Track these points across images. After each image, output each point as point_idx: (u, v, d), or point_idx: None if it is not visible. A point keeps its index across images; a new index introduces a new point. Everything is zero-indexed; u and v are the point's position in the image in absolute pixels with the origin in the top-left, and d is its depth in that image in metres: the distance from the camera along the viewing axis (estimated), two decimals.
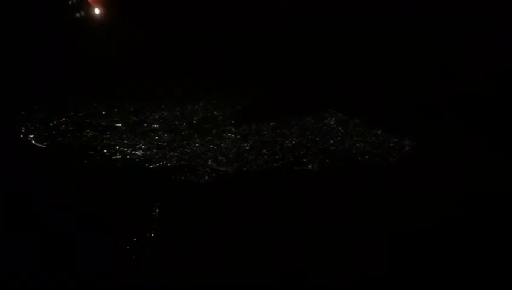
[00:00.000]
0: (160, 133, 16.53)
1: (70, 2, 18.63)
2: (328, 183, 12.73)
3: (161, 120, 18.05)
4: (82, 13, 17.99)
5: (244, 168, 13.69)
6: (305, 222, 11.42)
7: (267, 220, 11.33)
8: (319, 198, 12.18)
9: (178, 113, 19.14)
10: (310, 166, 13.43)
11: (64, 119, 16.99)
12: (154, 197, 11.96)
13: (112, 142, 15.24)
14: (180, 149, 15.07)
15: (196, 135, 16.50)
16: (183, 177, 13.02)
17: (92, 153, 14.33)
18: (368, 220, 11.53)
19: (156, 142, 15.61)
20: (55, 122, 16.68)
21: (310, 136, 16.07)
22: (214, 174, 13.30)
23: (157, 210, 11.30)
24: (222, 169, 13.74)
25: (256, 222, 11.29)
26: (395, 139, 14.54)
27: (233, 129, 17.31)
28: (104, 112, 18.20)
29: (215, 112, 19.19)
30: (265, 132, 16.88)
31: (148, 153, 14.69)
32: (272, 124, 17.87)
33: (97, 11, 15.91)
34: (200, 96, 20.33)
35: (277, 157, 14.19)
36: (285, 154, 14.33)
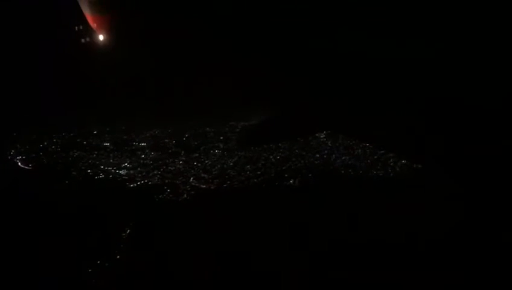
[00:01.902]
0: (147, 151, 16.53)
1: (77, 28, 19.25)
2: (308, 198, 12.43)
3: (151, 138, 18.07)
4: (87, 38, 18.58)
5: (225, 185, 13.50)
6: (284, 237, 11.13)
7: (245, 236, 11.09)
8: (298, 213, 11.90)
9: (169, 131, 19.15)
10: (291, 181, 13.15)
11: (54, 139, 17.19)
12: (130, 216, 11.86)
13: (97, 162, 15.28)
14: (164, 167, 14.98)
15: (183, 152, 16.43)
16: (161, 196, 12.89)
17: (74, 173, 14.37)
18: (347, 233, 11.18)
19: (141, 161, 15.57)
20: (45, 142, 16.89)
21: (296, 151, 15.84)
22: (193, 192, 13.14)
23: (129, 231, 11.17)
24: (203, 186, 13.57)
25: (233, 239, 11.07)
26: (380, 153, 14.19)
27: (221, 145, 17.19)
28: (95, 132, 18.40)
29: (207, 129, 19.16)
30: (252, 147, 16.73)
31: (131, 172, 14.64)
32: (260, 139, 17.75)
33: (100, 37, 16.39)
34: (194, 113, 20.47)
35: (259, 173, 13.97)
36: (268, 170, 14.10)
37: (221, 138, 17.69)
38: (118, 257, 9.99)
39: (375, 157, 14.17)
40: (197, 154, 16.08)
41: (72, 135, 17.61)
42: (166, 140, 17.70)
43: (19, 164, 14.72)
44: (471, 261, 9.52)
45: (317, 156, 15.02)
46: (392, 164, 13.72)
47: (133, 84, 19.82)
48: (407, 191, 12.44)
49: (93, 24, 15.25)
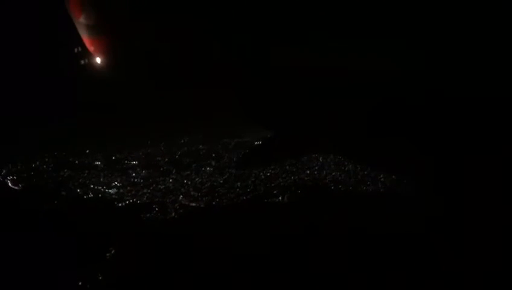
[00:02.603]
0: (138, 169, 16.52)
1: (76, 50, 19.45)
2: (296, 214, 12.34)
3: (143, 156, 18.10)
4: (86, 60, 18.76)
5: (214, 203, 13.42)
6: (272, 253, 11.01)
7: (232, 253, 10.99)
8: (285, 229, 11.80)
9: (162, 148, 19.22)
10: (279, 198, 13.07)
11: (46, 159, 17.26)
12: (115, 236, 11.80)
13: (87, 181, 15.26)
14: (154, 185, 14.94)
15: (174, 170, 16.41)
16: (149, 215, 12.83)
17: (64, 193, 14.35)
18: (336, 249, 11.04)
19: (132, 179, 15.55)
20: (36, 162, 16.96)
21: (287, 167, 15.78)
22: (181, 210, 13.07)
23: (113, 251, 11.09)
24: (192, 205, 13.51)
25: (219, 257, 10.97)
26: (370, 169, 14.11)
27: (213, 163, 17.17)
28: (87, 151, 18.47)
29: (200, 146, 19.19)
30: (244, 165, 16.69)
31: (121, 191, 14.60)
32: (252, 156, 17.69)
33: (98, 59, 16.56)
34: (188, 130, 20.58)
35: (248, 190, 13.91)
36: (257, 187, 14.03)
37: (214, 155, 17.68)
38: (100, 277, 9.90)
39: (365, 173, 14.06)
40: (188, 172, 16.03)
41: (64, 153, 17.62)
42: (159, 158, 17.70)
43: (9, 184, 14.71)
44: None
45: (308, 172, 14.95)
46: (382, 179, 13.61)
47: (128, 103, 19.92)
48: (397, 206, 12.32)
49: (90, 47, 15.43)
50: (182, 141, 19.15)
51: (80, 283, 9.90)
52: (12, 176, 15.33)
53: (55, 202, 13.64)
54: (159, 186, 14.76)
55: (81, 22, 14.47)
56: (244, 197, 13.58)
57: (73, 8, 13.87)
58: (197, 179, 15.21)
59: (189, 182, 15.01)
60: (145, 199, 13.91)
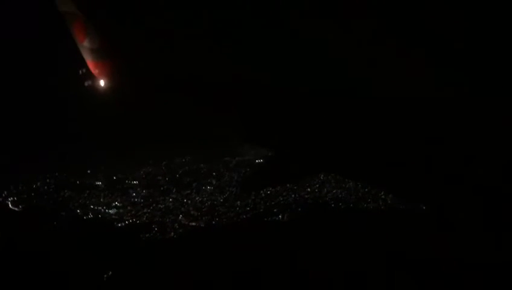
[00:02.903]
0: (138, 189, 16.49)
1: (80, 72, 19.70)
2: (296, 233, 12.18)
3: (144, 175, 18.09)
4: (89, 82, 19.01)
5: (213, 222, 13.31)
6: (271, 271, 10.83)
7: (230, 272, 10.82)
8: (285, 249, 11.61)
9: (163, 168, 19.20)
10: (279, 216, 12.95)
11: (47, 180, 17.28)
12: (114, 256, 11.69)
13: (88, 202, 15.23)
14: (154, 205, 14.88)
15: (174, 190, 16.36)
16: (148, 235, 12.73)
17: (63, 214, 14.33)
18: (336, 267, 10.85)
19: (132, 199, 15.51)
20: (38, 183, 16.98)
21: (287, 185, 15.66)
22: (181, 230, 12.96)
23: (111, 272, 10.97)
24: (191, 224, 13.41)
25: (218, 275, 10.81)
26: (371, 187, 13.97)
27: (213, 182, 17.12)
28: (89, 171, 18.52)
29: (201, 165, 19.16)
30: (244, 183, 16.61)
31: (121, 211, 14.55)
32: (253, 174, 17.63)
33: (102, 82, 16.83)
34: (190, 149, 20.64)
35: (248, 208, 13.80)
36: (257, 205, 13.92)
37: (214, 174, 17.62)
38: None
39: (366, 190, 13.93)
40: (188, 191, 15.97)
41: (65, 174, 17.64)
42: (159, 177, 17.67)
43: (10, 206, 14.72)
44: None
45: (308, 190, 14.82)
46: (383, 197, 13.46)
47: (131, 123, 20.06)
48: (398, 223, 12.14)
49: (94, 70, 15.65)
50: (183, 160, 19.12)
51: None
52: (13, 198, 15.34)
53: (55, 223, 13.58)
54: (159, 205, 14.69)
55: (84, 46, 14.75)
56: (244, 216, 13.46)
57: (77, 32, 14.15)
58: (197, 198, 15.13)
59: (189, 201, 14.93)
60: (144, 219, 13.83)
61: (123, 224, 13.46)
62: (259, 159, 18.26)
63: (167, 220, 13.60)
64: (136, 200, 15.09)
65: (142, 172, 17.95)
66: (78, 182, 16.86)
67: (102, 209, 14.30)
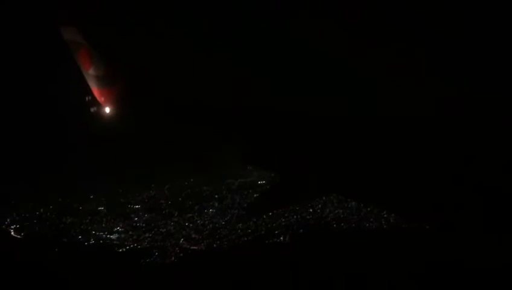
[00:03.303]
0: (140, 213, 16.46)
1: (87, 99, 20.05)
2: (297, 254, 12.04)
3: (146, 199, 18.06)
4: (95, 109, 19.34)
5: (214, 245, 13.21)
6: None
7: None
8: (286, 269, 11.48)
9: (166, 191, 19.17)
10: (281, 238, 12.82)
11: (50, 206, 17.31)
12: (114, 282, 11.62)
13: (89, 227, 15.21)
14: (156, 229, 14.81)
15: (176, 213, 16.31)
16: (148, 260, 12.65)
17: (65, 240, 14.32)
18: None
19: (134, 224, 15.47)
20: (41, 210, 17.01)
21: (290, 207, 15.54)
22: (181, 254, 12.87)
23: None
24: (192, 248, 13.31)
25: None
26: (373, 206, 13.81)
27: (216, 204, 17.04)
28: (91, 196, 18.55)
29: (204, 188, 19.12)
30: (246, 205, 16.56)
31: (122, 235, 14.51)
32: (255, 196, 17.59)
33: (107, 109, 17.16)
34: (193, 172, 20.68)
35: (249, 231, 13.70)
36: (259, 227, 13.81)
37: (217, 196, 17.57)
38: None
39: (368, 210, 13.78)
40: (190, 215, 15.91)
41: (68, 200, 17.69)
42: (162, 201, 17.65)
43: (12, 233, 14.75)
44: None
45: (311, 211, 14.70)
46: (385, 216, 13.31)
47: (134, 147, 20.21)
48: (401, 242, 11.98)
49: (100, 98, 15.94)
50: (186, 183, 19.12)
51: None
52: (16, 225, 15.38)
53: (56, 249, 13.56)
54: (161, 229, 14.63)
55: (90, 74, 15.05)
56: (246, 239, 13.36)
57: (82, 59, 14.44)
58: (198, 221, 15.07)
59: (191, 225, 14.87)
60: (146, 243, 13.77)
61: (124, 249, 13.39)
62: (262, 181, 18.23)
63: (168, 244, 13.52)
64: (138, 224, 15.06)
65: (144, 196, 17.96)
66: (80, 207, 16.89)
67: (104, 235, 14.27)
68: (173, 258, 12.42)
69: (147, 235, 14.22)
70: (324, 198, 15.58)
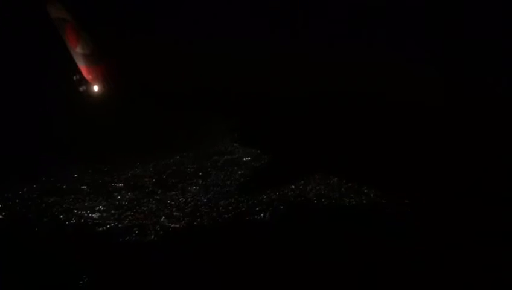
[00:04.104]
0: (123, 192, 16.36)
1: (74, 78, 19.78)
2: (278, 232, 12.04)
3: (131, 178, 17.88)
4: (84, 88, 19.10)
5: (195, 223, 13.19)
6: (251, 275, 10.72)
7: (208, 275, 10.73)
8: (264, 247, 11.50)
9: (151, 169, 19.07)
10: (261, 215, 12.79)
11: (34, 185, 17.22)
12: (91, 260, 11.65)
13: (71, 207, 15.11)
14: (138, 208, 14.77)
15: (160, 191, 16.20)
16: (127, 238, 12.64)
17: (46, 220, 14.26)
18: (319, 266, 10.72)
19: (116, 202, 15.36)
20: (24, 189, 16.92)
21: (273, 183, 15.47)
22: (162, 232, 12.85)
23: (86, 278, 10.91)
24: (172, 226, 13.29)
25: (195, 279, 10.72)
26: (355, 182, 13.78)
27: (199, 181, 16.94)
28: (75, 175, 18.42)
29: (189, 165, 19.00)
30: (229, 182, 16.50)
31: (104, 214, 14.43)
32: (240, 172, 17.51)
33: (95, 87, 16.90)
34: (180, 149, 20.55)
35: (230, 208, 13.66)
36: (240, 204, 13.78)
37: (201, 173, 17.49)
38: None
39: (349, 185, 13.73)
40: (173, 192, 15.85)
41: (52, 179, 17.58)
42: (146, 179, 17.55)
43: None
44: None
45: (292, 187, 14.64)
46: (365, 191, 13.27)
47: (120, 126, 20.07)
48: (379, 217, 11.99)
49: (87, 76, 15.70)
50: (171, 161, 19.01)
51: None
52: None
53: (36, 229, 13.53)
54: (142, 208, 14.59)
55: (77, 52, 14.78)
56: (226, 216, 13.32)
57: (69, 38, 14.14)
58: (181, 199, 15.01)
59: (173, 203, 14.82)
60: (126, 222, 13.73)
61: (105, 228, 13.36)
62: (247, 157, 18.14)
63: (149, 222, 13.48)
64: (120, 203, 15.01)
65: (129, 174, 17.86)
66: (64, 187, 16.77)
67: (86, 214, 14.20)
68: (153, 236, 12.38)
69: (128, 213, 14.18)
70: (306, 174, 15.55)
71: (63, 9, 12.81)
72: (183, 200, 14.71)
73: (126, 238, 12.23)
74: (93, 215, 14.25)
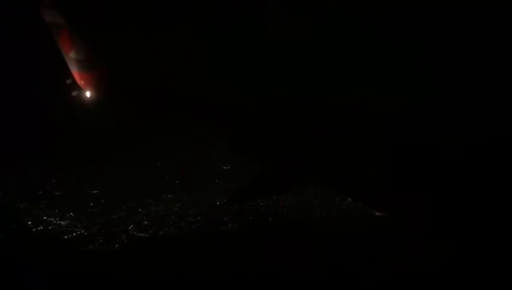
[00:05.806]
0: (99, 198, 16.16)
1: (67, 82, 19.77)
2: (246, 243, 11.71)
3: (109, 185, 17.75)
4: (76, 93, 19.09)
5: (161, 232, 12.90)
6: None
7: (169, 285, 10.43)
8: (229, 259, 11.17)
9: (130, 176, 18.82)
10: (229, 225, 12.47)
11: (9, 190, 17.05)
12: (52, 269, 11.37)
13: (41, 213, 14.91)
14: (108, 216, 14.53)
15: (135, 198, 15.98)
16: (91, 247, 12.36)
17: (13, 226, 14.04)
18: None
19: (89, 209, 15.14)
20: None
21: (245, 193, 15.14)
22: (126, 241, 12.56)
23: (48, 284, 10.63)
24: (139, 234, 13.00)
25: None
26: (329, 193, 13.43)
27: (174, 190, 16.68)
28: (53, 181, 18.23)
29: (168, 173, 18.62)
30: (204, 190, 16.22)
31: (73, 222, 14.17)
32: (216, 180, 17.22)
33: (87, 93, 16.86)
34: (159, 157, 20.36)
35: (199, 217, 13.37)
36: (210, 214, 13.49)
37: (177, 181, 17.28)
38: None
39: (323, 196, 13.38)
40: (147, 201, 15.62)
41: (28, 184, 17.41)
42: (125, 185, 17.38)
43: None
44: None
45: (266, 197, 14.31)
46: (337, 203, 12.91)
47: (109, 130, 19.91)
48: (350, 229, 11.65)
49: (80, 81, 15.65)
50: (151, 168, 18.82)
51: None
52: None
53: (2, 236, 13.30)
54: (113, 216, 14.32)
55: (71, 57, 14.70)
56: (194, 226, 13.03)
57: (63, 43, 14.08)
58: (153, 207, 14.74)
59: (145, 211, 14.55)
60: (94, 230, 13.46)
61: (70, 236, 13.10)
62: (227, 166, 17.86)
63: (116, 230, 13.20)
64: (92, 210, 14.75)
65: (110, 179, 17.67)
66: (40, 192, 16.57)
67: (55, 221, 13.95)
68: (117, 245, 12.09)
69: (97, 221, 13.90)
70: (282, 186, 15.17)
71: (58, 14, 12.74)
72: (155, 209, 14.44)
73: (89, 247, 11.93)
74: (62, 222, 13.99)
